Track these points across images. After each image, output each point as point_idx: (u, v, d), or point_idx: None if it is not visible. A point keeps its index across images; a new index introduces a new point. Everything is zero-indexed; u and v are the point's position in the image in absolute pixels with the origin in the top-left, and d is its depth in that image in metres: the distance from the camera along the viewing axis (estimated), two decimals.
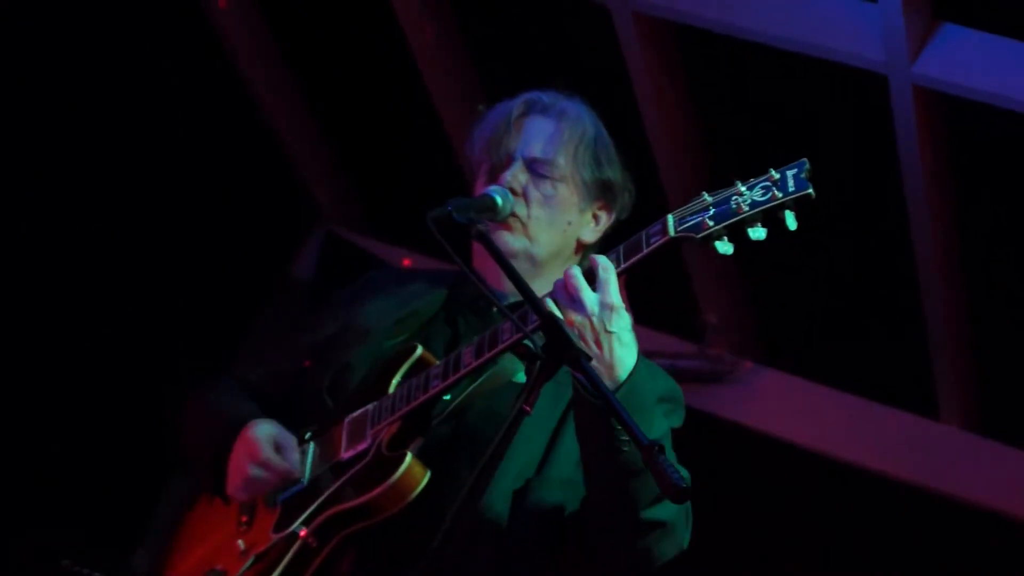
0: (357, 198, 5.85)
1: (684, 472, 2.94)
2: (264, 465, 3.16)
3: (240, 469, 3.19)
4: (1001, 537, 4.93)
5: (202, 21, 5.38)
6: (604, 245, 3.29)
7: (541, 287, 3.01)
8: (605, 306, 2.85)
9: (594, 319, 2.84)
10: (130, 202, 5.18)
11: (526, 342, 2.86)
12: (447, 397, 3.12)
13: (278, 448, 3.19)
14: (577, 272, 2.88)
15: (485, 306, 3.28)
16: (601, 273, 2.87)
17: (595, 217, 3.33)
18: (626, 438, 2.84)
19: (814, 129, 4.75)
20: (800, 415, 5.18)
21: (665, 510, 2.96)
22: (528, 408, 2.67)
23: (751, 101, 4.85)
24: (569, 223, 3.28)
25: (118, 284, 5.15)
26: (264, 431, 3.21)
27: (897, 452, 5.07)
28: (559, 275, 3.10)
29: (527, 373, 2.98)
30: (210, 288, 5.33)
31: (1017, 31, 4.21)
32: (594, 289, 2.86)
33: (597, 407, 2.84)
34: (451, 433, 3.13)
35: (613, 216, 3.35)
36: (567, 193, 3.28)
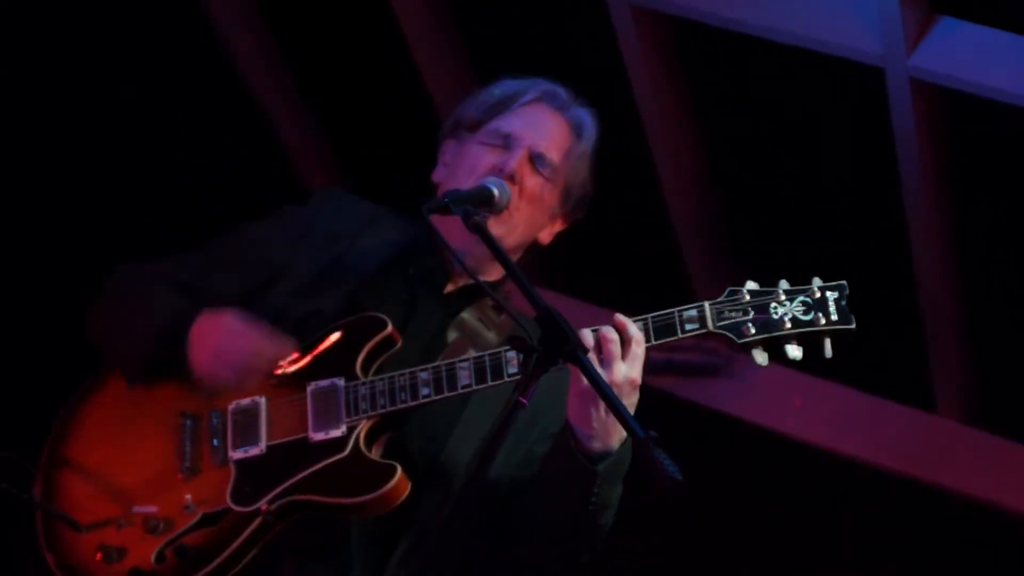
0: (351, 188, 5.85)
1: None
2: (266, 341, 3.05)
3: (228, 344, 3.04)
4: (997, 530, 4.93)
5: (197, 13, 5.38)
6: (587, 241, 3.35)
7: (491, 273, 3.12)
8: (629, 381, 2.90)
9: (615, 388, 2.86)
10: (123, 192, 5.17)
11: (520, 328, 2.88)
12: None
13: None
14: (617, 338, 2.90)
15: (441, 282, 3.26)
16: (635, 348, 2.90)
17: (554, 221, 3.35)
18: (596, 500, 2.94)
19: (811, 122, 4.75)
20: (796, 408, 5.19)
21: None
22: (524, 401, 2.69)
23: (748, 94, 4.84)
24: (540, 223, 3.30)
25: (96, 257, 5.14)
26: (237, 314, 3.08)
27: (893, 445, 5.08)
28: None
29: (523, 366, 2.98)
30: None
31: (1015, 24, 4.21)
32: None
33: (585, 469, 2.91)
34: (421, 429, 3.12)
35: (566, 226, 3.38)
36: (552, 196, 3.30)
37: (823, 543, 5.07)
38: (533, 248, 3.35)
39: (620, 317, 2.94)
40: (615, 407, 2.70)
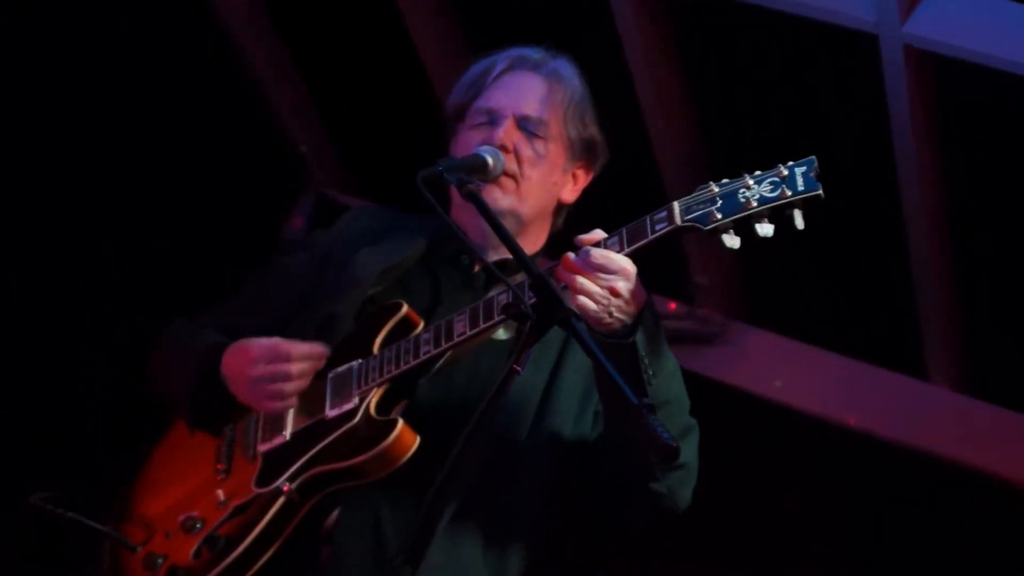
0: (347, 164, 5.85)
1: None
2: (304, 356, 3.12)
3: (258, 379, 3.13)
4: (988, 496, 4.95)
5: (207, 17, 5.38)
6: (580, 205, 3.36)
7: (523, 245, 3.01)
8: (608, 292, 2.88)
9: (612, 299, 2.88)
10: (115, 169, 5.18)
11: (515, 295, 2.88)
12: None
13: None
14: (576, 264, 2.89)
15: (467, 261, 3.29)
16: (596, 260, 2.88)
17: (574, 177, 3.35)
18: (652, 372, 2.90)
19: (804, 89, 4.74)
20: (789, 376, 5.20)
21: (684, 451, 3.00)
22: (519, 368, 2.70)
23: (742, 62, 4.84)
24: (555, 183, 3.30)
25: (108, 256, 5.16)
26: (263, 339, 3.16)
27: (886, 413, 5.09)
28: (540, 233, 3.21)
29: (517, 333, 2.99)
30: (202, 256, 5.33)
31: None
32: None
33: (623, 346, 2.87)
34: (436, 394, 3.14)
35: (591, 176, 3.37)
36: (556, 152, 3.30)
37: (812, 509, 5.09)
38: (560, 210, 3.36)
39: (579, 238, 2.94)
40: (609, 373, 2.70)
